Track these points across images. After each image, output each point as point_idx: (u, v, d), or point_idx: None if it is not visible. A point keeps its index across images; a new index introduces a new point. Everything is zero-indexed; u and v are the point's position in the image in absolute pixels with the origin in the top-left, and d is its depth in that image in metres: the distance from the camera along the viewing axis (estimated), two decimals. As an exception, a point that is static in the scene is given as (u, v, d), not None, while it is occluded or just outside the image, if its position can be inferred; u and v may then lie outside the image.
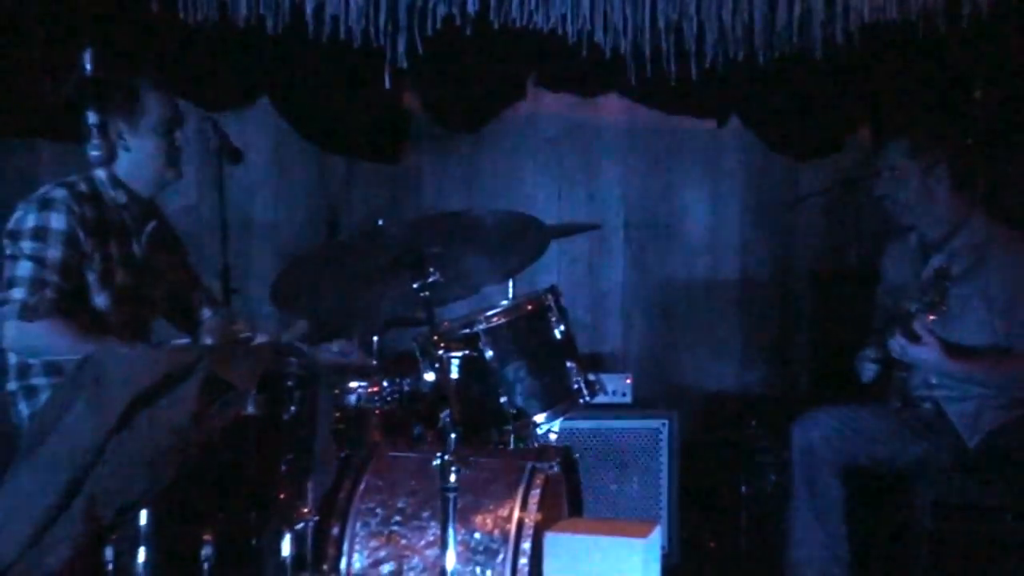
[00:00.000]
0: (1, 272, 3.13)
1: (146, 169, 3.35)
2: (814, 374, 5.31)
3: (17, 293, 3.04)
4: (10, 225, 3.15)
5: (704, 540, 4.74)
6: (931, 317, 3.45)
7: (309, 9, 3.78)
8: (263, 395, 2.68)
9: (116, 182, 3.31)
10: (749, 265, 5.54)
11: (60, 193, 3.16)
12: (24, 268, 3.07)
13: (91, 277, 3.18)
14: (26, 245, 3.10)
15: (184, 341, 3.01)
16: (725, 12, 3.96)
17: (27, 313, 3.01)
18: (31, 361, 3.16)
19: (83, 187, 3.25)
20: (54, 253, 3.09)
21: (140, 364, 2.61)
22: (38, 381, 3.15)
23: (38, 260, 3.08)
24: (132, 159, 3.32)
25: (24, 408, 3.15)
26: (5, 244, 3.14)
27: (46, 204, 3.14)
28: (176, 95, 3.47)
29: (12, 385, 3.17)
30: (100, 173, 3.30)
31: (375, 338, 3.74)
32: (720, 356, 5.51)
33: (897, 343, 3.52)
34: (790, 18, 3.89)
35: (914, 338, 3.47)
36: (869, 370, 3.78)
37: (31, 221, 3.12)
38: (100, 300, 3.20)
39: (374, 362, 3.62)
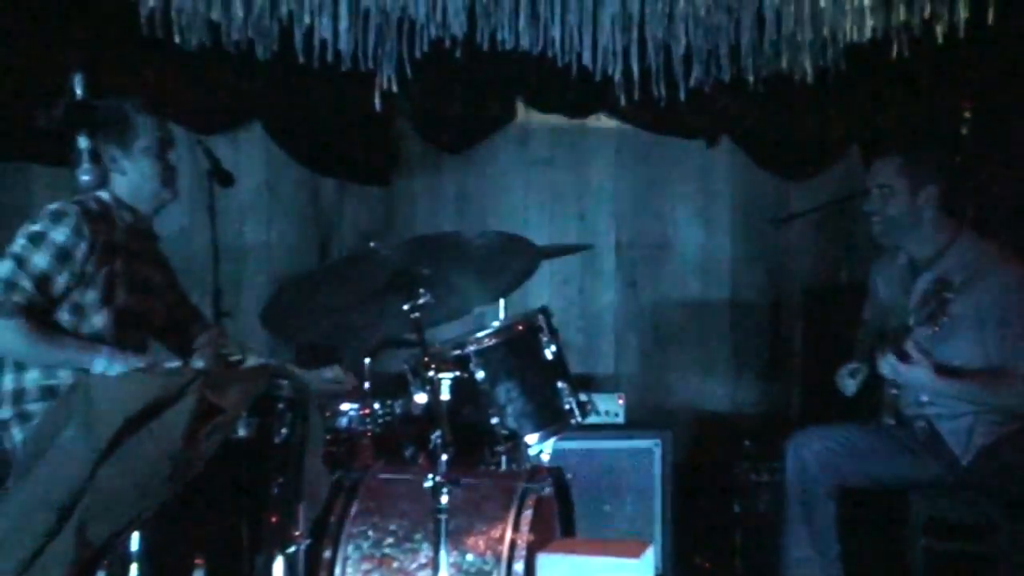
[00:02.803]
0: None
1: (143, 190, 3.35)
2: (807, 393, 5.32)
3: None
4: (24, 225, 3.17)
5: (698, 561, 4.73)
6: (933, 330, 3.44)
7: (298, 34, 3.78)
8: (254, 418, 2.69)
9: (120, 203, 3.33)
10: (741, 284, 5.55)
11: (72, 208, 3.16)
12: (4, 267, 3.07)
13: (91, 296, 3.18)
14: (18, 244, 3.10)
15: (175, 364, 3.00)
16: (712, 34, 3.97)
17: None
18: (27, 386, 3.15)
19: (93, 205, 3.26)
20: (39, 260, 3.08)
21: (130, 388, 2.62)
22: (33, 407, 3.14)
23: (20, 261, 3.07)
24: (129, 182, 3.34)
25: (18, 434, 3.14)
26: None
27: (56, 216, 3.14)
28: (166, 118, 3.48)
29: (6, 412, 3.16)
30: (104, 194, 3.31)
31: (367, 360, 3.74)
32: (713, 375, 5.50)
33: (887, 363, 3.51)
34: (777, 39, 3.90)
35: (904, 357, 3.47)
36: (850, 385, 3.78)
37: (36, 227, 3.13)
38: (99, 320, 3.20)
39: (366, 385, 3.62)
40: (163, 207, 3.46)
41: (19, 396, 3.16)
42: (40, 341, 3.06)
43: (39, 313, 3.09)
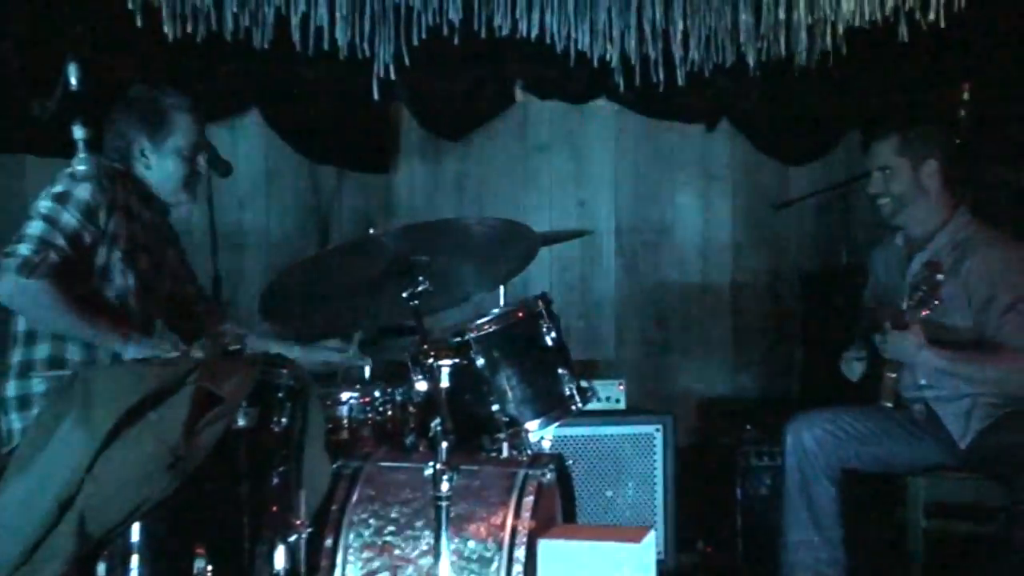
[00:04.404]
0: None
1: (164, 187, 3.38)
2: (807, 377, 5.32)
3: (23, 249, 3.03)
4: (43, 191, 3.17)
5: (700, 545, 4.74)
6: (924, 313, 3.45)
7: (294, 21, 3.77)
8: (253, 407, 2.68)
9: (141, 177, 3.36)
10: (741, 269, 5.54)
11: (92, 165, 3.15)
12: (35, 227, 3.08)
13: (116, 253, 3.19)
14: (44, 205, 3.11)
15: (173, 355, 3.00)
16: (710, 18, 3.96)
17: (25, 269, 3.01)
18: (36, 357, 3.16)
19: (117, 168, 3.28)
20: (68, 219, 3.09)
21: (128, 379, 2.62)
22: (37, 386, 3.14)
23: (51, 222, 3.08)
24: (151, 176, 3.36)
25: (15, 420, 3.14)
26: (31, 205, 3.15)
27: (76, 175, 3.14)
28: (205, 122, 3.48)
29: (10, 390, 3.16)
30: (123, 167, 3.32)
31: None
32: (713, 360, 5.50)
33: (881, 338, 3.53)
34: (775, 23, 3.89)
35: (901, 325, 3.47)
36: (856, 368, 3.79)
37: (59, 187, 3.14)
38: (122, 281, 3.21)
39: (369, 363, 3.62)
40: (178, 207, 3.46)
41: (25, 369, 3.16)
42: (72, 310, 3.07)
43: (75, 276, 3.09)
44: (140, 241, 3.28)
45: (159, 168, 3.35)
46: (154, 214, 3.41)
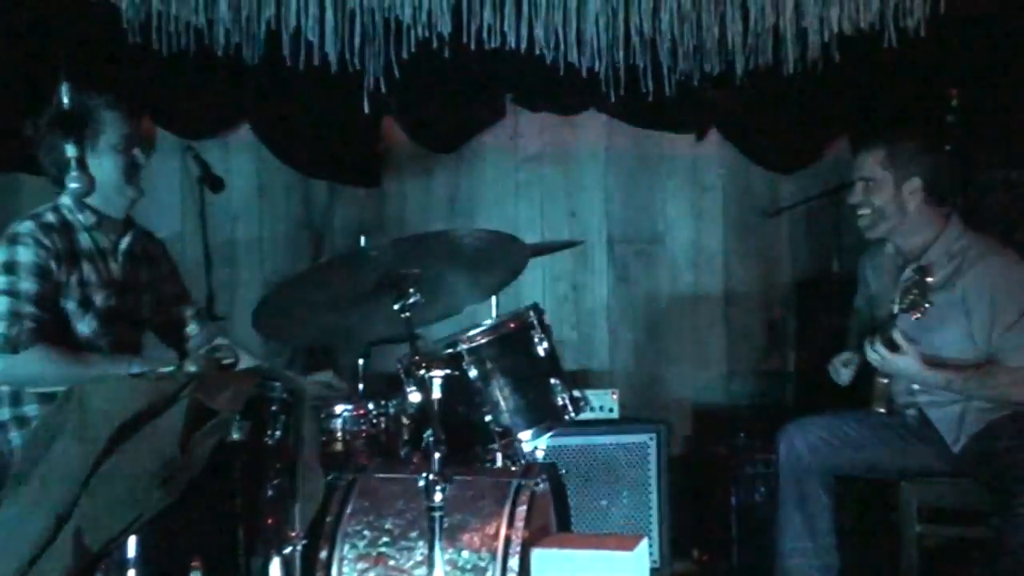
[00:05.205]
0: None
1: (105, 187, 3.34)
2: (800, 384, 5.34)
3: None
4: None
5: (695, 553, 4.75)
6: (915, 316, 3.44)
7: (285, 36, 3.79)
8: (247, 421, 2.69)
9: (82, 205, 3.33)
10: (733, 277, 5.56)
11: (25, 227, 3.19)
12: (0, 303, 3.09)
13: (71, 305, 3.20)
14: None
15: (168, 369, 3.01)
16: (698, 28, 3.98)
17: (9, 345, 3.03)
18: (24, 389, 3.17)
19: (50, 217, 3.27)
20: (27, 286, 3.12)
21: (124, 393, 2.63)
22: (31, 410, 3.16)
23: (12, 294, 3.10)
24: (96, 179, 3.32)
25: (16, 438, 3.16)
26: None
27: (13, 239, 3.17)
28: (139, 115, 3.48)
29: (4, 414, 3.18)
30: (65, 199, 3.31)
31: (360, 362, 3.76)
32: (706, 369, 5.52)
33: (876, 352, 3.52)
34: (762, 32, 3.92)
35: (893, 347, 3.49)
36: (844, 374, 3.79)
37: (0, 257, 3.14)
38: (83, 326, 3.22)
39: (360, 387, 3.64)
40: (132, 205, 3.44)
41: (17, 399, 3.18)
42: (68, 363, 3.09)
43: (55, 334, 3.11)
44: (93, 280, 3.28)
45: (98, 169, 3.31)
46: (109, 241, 3.39)
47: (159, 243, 3.65)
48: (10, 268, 3.13)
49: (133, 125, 3.41)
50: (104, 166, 3.33)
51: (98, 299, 3.26)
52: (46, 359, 3.07)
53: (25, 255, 3.14)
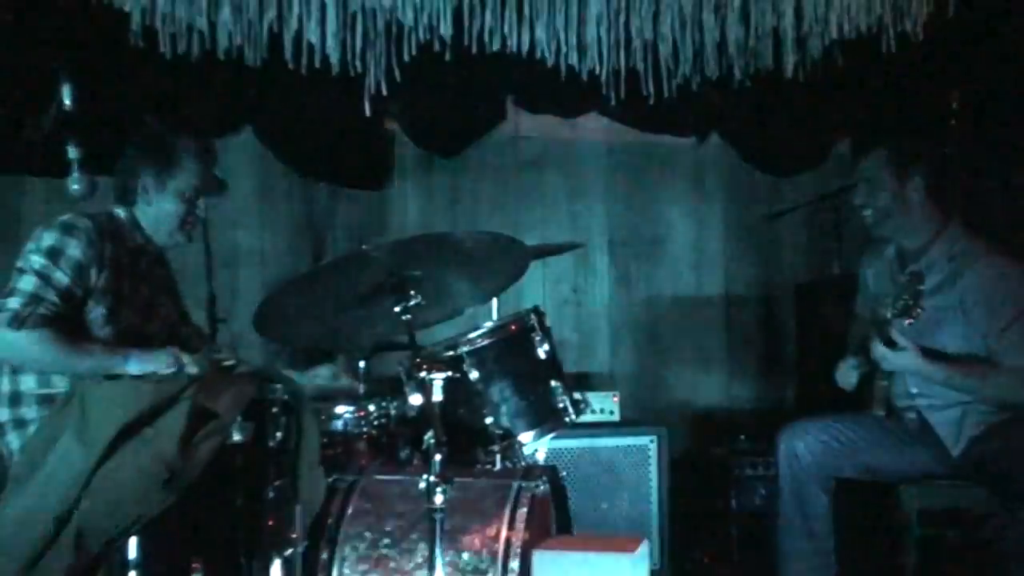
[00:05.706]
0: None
1: (160, 226, 3.38)
2: (801, 387, 5.34)
3: (13, 303, 3.05)
4: (29, 243, 3.17)
5: (695, 555, 4.75)
6: (908, 321, 3.46)
7: (287, 39, 3.79)
8: (249, 422, 2.70)
9: (135, 224, 3.36)
10: (733, 280, 5.57)
11: (84, 223, 3.19)
12: (27, 282, 3.09)
13: (98, 312, 3.19)
14: (36, 260, 3.11)
15: (170, 371, 3.02)
16: (699, 31, 3.98)
17: (15, 323, 3.02)
18: (23, 390, 3.17)
19: (106, 222, 3.28)
20: (61, 276, 3.11)
21: (125, 395, 2.64)
22: (29, 412, 3.16)
23: (43, 278, 3.09)
24: (150, 213, 3.36)
25: (13, 439, 3.16)
26: (20, 259, 3.15)
27: (68, 229, 3.16)
28: (213, 165, 3.48)
29: (3, 415, 3.18)
30: (121, 212, 3.35)
31: (362, 363, 3.76)
32: (707, 371, 5.53)
33: (878, 350, 3.54)
34: (763, 35, 3.92)
35: (891, 344, 3.49)
36: (851, 378, 3.79)
37: (49, 240, 3.14)
38: (102, 336, 3.21)
39: (362, 386, 3.64)
40: (175, 247, 3.48)
41: (15, 400, 3.17)
42: (67, 350, 3.07)
43: (64, 322, 3.11)
44: (126, 295, 3.28)
45: (159, 207, 3.35)
46: (149, 264, 3.41)
47: (173, 275, 3.66)
48: (53, 253, 3.12)
49: (208, 177, 3.43)
50: (164, 207, 3.35)
51: (123, 315, 3.26)
52: (46, 342, 3.05)
53: (74, 249, 3.14)
